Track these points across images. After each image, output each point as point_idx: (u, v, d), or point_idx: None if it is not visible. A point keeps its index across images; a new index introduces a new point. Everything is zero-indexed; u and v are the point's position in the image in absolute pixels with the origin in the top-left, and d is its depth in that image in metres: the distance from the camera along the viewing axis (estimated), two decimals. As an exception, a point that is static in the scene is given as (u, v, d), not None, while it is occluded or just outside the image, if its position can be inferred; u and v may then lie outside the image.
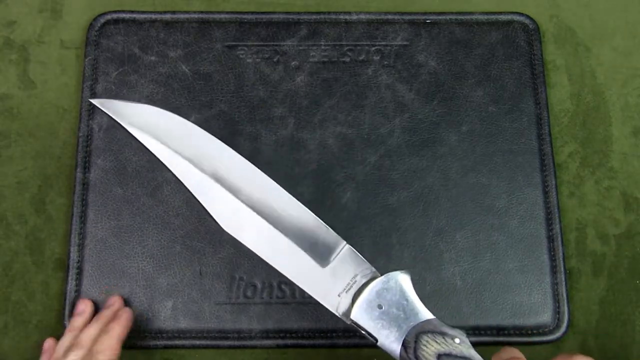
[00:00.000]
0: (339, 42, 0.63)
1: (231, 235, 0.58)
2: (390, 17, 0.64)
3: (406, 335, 0.44)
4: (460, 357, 0.42)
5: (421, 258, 0.58)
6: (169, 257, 0.57)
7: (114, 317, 0.54)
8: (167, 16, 0.64)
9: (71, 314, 0.56)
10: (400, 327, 0.44)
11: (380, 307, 0.45)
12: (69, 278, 0.57)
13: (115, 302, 0.56)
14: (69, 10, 0.65)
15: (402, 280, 0.46)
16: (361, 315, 0.45)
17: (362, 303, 0.45)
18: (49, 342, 0.55)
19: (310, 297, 0.56)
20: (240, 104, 0.61)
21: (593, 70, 0.65)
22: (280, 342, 0.56)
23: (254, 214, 0.51)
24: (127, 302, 0.56)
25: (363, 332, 0.46)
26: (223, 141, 0.60)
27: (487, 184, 0.60)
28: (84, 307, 0.55)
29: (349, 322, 0.46)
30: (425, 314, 0.45)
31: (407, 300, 0.45)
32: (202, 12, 0.64)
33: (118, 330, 0.53)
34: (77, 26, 0.64)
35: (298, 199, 0.58)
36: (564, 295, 0.57)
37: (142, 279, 0.57)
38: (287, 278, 0.57)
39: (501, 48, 0.64)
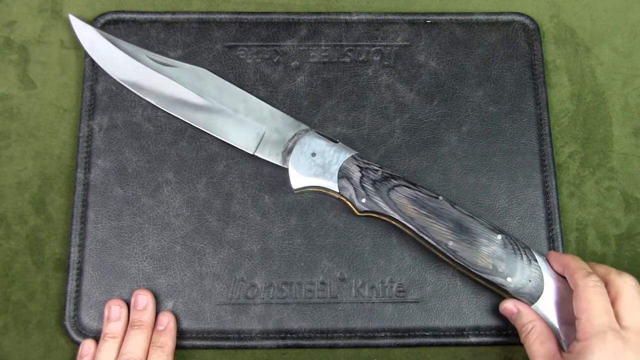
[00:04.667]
0: (339, 42, 0.63)
1: (232, 236, 0.58)
2: (390, 17, 0.64)
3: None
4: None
5: (421, 258, 0.58)
6: (169, 258, 0.57)
7: (165, 329, 0.54)
8: (167, 16, 0.64)
9: (74, 314, 0.56)
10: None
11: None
12: (69, 278, 0.56)
13: (148, 304, 0.55)
14: (69, 10, 0.65)
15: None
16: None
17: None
18: (87, 346, 0.54)
19: (311, 297, 0.56)
20: (241, 104, 0.61)
21: (593, 70, 0.65)
22: (280, 342, 0.56)
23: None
24: (127, 303, 0.56)
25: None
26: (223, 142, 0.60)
27: (487, 185, 0.60)
28: (120, 311, 0.55)
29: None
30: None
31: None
32: (202, 12, 0.64)
33: (172, 346, 0.53)
34: (77, 26, 0.64)
35: (298, 199, 0.59)
36: (564, 296, 0.57)
37: (142, 279, 0.57)
38: (287, 278, 0.57)
39: (501, 48, 0.64)
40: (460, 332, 0.56)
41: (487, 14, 0.65)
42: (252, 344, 0.56)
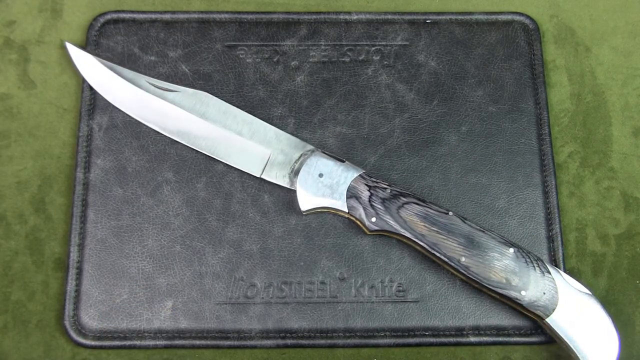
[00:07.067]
0: (339, 42, 0.63)
1: (232, 235, 0.58)
2: (390, 17, 0.64)
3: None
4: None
5: (421, 257, 0.58)
6: (169, 257, 0.57)
7: None
8: (167, 16, 0.64)
9: (73, 313, 0.56)
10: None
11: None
12: (69, 278, 0.57)
13: None
14: (69, 10, 0.65)
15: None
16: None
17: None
18: None
19: (311, 296, 0.56)
20: (240, 104, 0.61)
21: (593, 70, 0.65)
22: (280, 342, 0.56)
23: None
24: (127, 302, 0.56)
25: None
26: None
27: (487, 184, 0.60)
28: None
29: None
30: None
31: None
32: (202, 12, 0.64)
33: None
34: (77, 26, 0.64)
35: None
36: (564, 295, 0.57)
37: (142, 279, 0.57)
38: (287, 278, 0.57)
39: (501, 48, 0.64)
40: (459, 331, 0.56)
41: (487, 13, 0.65)
42: (252, 344, 0.56)
